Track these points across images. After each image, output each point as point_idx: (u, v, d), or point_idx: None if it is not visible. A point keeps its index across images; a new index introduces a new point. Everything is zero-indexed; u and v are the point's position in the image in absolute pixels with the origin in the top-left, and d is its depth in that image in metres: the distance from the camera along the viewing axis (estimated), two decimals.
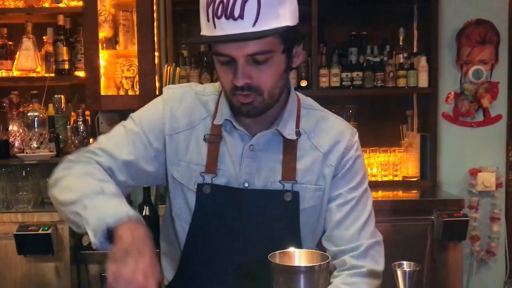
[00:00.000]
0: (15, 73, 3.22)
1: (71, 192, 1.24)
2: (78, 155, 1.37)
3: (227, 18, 1.18)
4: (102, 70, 3.05)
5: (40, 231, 2.66)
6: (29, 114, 2.95)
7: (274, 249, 1.10)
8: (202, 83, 3.06)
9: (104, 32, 3.06)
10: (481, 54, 3.27)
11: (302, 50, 1.35)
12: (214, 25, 1.20)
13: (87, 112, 3.26)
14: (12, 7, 3.17)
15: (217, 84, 1.44)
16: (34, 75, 3.21)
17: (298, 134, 1.37)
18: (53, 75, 3.15)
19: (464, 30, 3.26)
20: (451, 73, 3.31)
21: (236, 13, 1.17)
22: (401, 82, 3.24)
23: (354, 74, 3.24)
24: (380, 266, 1.38)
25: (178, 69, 3.11)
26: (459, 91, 3.30)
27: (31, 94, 3.14)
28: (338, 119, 1.46)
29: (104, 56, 3.08)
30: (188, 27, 3.42)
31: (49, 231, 2.67)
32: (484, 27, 3.25)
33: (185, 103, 1.42)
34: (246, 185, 1.35)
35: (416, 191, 3.25)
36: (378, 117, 3.49)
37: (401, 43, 3.31)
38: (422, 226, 2.93)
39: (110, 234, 1.13)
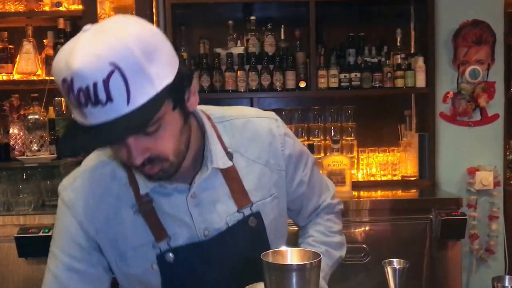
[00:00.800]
0: (16, 77, 3.24)
1: None
2: None
3: (93, 105, 0.98)
4: None
5: (40, 234, 2.64)
6: (29, 117, 2.96)
7: (250, 274, 1.12)
8: (202, 85, 3.14)
9: None
10: (477, 54, 3.28)
11: (196, 92, 1.16)
12: (83, 113, 1.00)
13: None
14: (13, 11, 3.19)
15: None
16: (35, 78, 3.23)
17: (230, 156, 1.27)
18: (53, 78, 3.16)
19: (460, 31, 3.27)
20: (448, 73, 3.32)
21: (102, 97, 0.97)
22: (399, 83, 3.26)
23: (352, 75, 3.25)
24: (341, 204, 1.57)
25: None
26: (456, 91, 3.31)
27: (31, 97, 3.16)
28: (256, 118, 1.35)
29: None
30: (188, 29, 3.44)
31: (49, 234, 2.55)
32: (480, 27, 3.26)
33: (91, 194, 1.24)
34: (207, 233, 1.24)
35: (414, 190, 3.26)
36: (377, 117, 3.51)
37: (398, 44, 3.33)
38: (420, 225, 2.94)
39: None
